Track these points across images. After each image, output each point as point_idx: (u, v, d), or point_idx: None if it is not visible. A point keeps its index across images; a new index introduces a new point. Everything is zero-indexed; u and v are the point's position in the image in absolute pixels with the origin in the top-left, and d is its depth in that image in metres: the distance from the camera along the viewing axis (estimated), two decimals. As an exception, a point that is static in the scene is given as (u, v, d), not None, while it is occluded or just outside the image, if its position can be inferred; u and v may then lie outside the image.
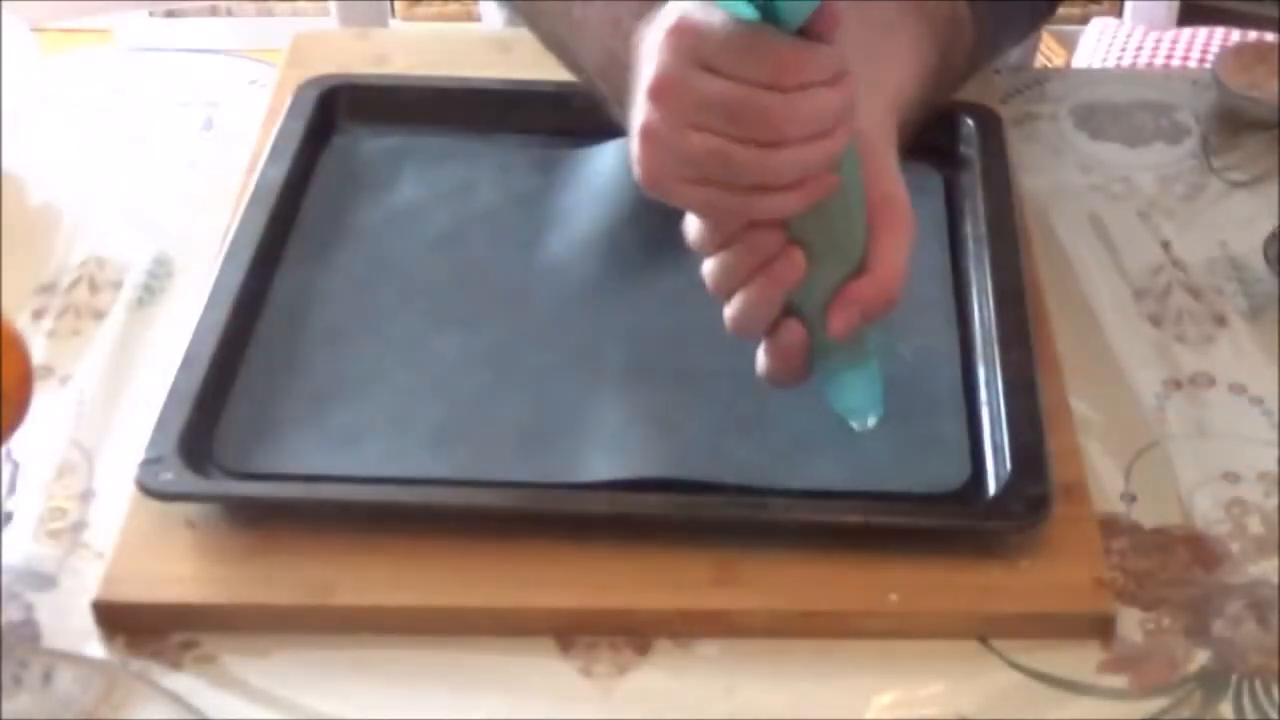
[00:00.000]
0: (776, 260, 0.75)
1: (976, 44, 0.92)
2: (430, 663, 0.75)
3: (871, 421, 0.81)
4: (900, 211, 0.77)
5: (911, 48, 0.85)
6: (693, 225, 0.76)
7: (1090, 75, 1.35)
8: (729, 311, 0.77)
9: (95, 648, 0.76)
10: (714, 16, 0.71)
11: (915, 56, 0.85)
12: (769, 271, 0.75)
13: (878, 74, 0.80)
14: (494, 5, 1.31)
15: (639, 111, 0.73)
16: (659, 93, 0.71)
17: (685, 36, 0.70)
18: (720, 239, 0.75)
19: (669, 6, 0.73)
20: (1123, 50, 1.91)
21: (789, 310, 0.77)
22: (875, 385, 0.80)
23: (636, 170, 0.74)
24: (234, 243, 0.91)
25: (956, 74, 0.93)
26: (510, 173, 0.99)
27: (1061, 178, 1.05)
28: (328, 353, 0.87)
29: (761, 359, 0.79)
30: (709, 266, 0.77)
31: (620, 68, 0.78)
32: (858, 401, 0.81)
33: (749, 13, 0.68)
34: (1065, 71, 1.46)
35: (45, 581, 0.79)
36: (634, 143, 0.73)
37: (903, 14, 0.85)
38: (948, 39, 0.89)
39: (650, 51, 0.72)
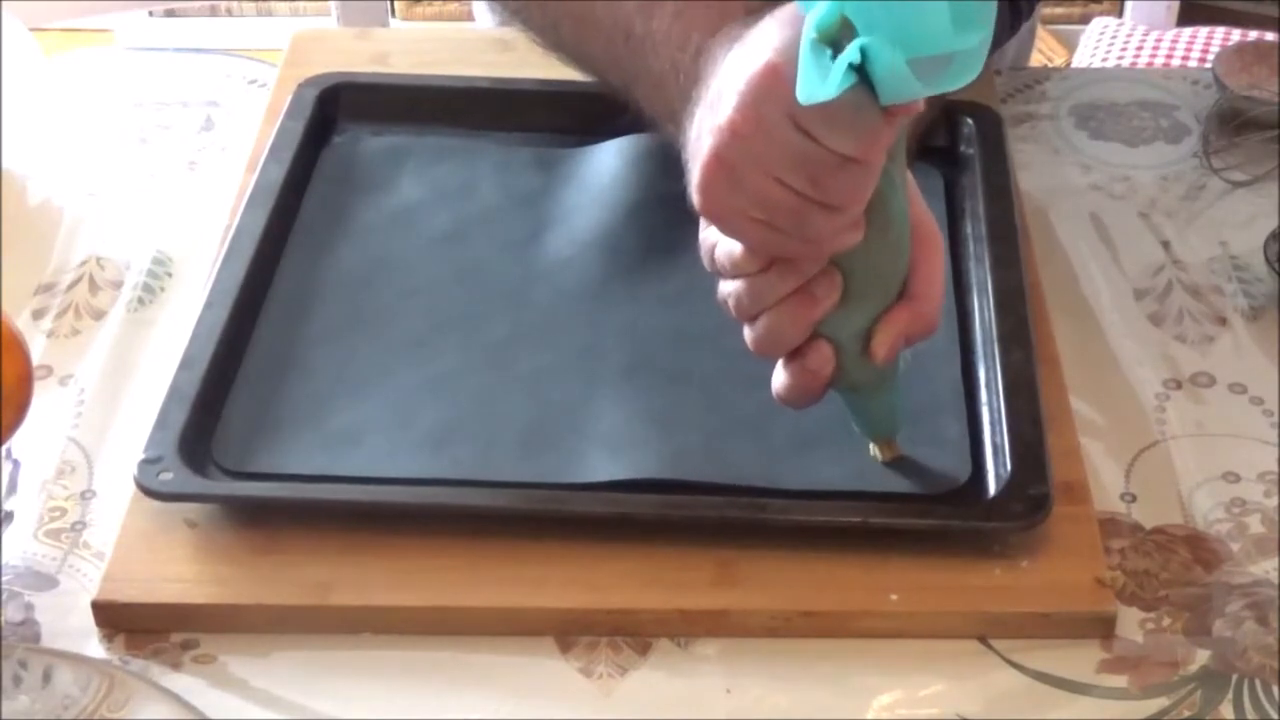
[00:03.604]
0: (815, 282, 0.74)
1: None
2: (430, 663, 0.75)
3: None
4: (932, 238, 0.77)
5: None
6: (725, 249, 0.74)
7: (1090, 75, 1.35)
8: (756, 331, 0.76)
9: (95, 648, 0.76)
10: None
11: None
12: (806, 293, 0.74)
13: None
14: (485, 6, 1.30)
15: (714, 139, 0.70)
16: (743, 132, 0.69)
17: (782, 85, 0.67)
18: (760, 265, 0.74)
19: (759, 37, 0.70)
20: (1123, 50, 1.92)
21: (815, 333, 0.76)
22: (898, 407, 0.80)
23: (697, 196, 0.72)
24: (234, 242, 0.91)
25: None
26: (510, 173, 0.99)
27: (1061, 177, 1.05)
28: (328, 353, 0.87)
29: (780, 378, 0.77)
30: (738, 288, 0.75)
31: (688, 81, 0.77)
32: (882, 425, 0.80)
33: (850, 80, 0.64)
34: (1065, 71, 1.45)
35: (45, 581, 0.79)
36: (700, 167, 0.71)
37: None
38: None
39: (735, 81, 0.69)
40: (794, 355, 0.76)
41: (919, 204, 0.77)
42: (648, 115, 0.86)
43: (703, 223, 0.76)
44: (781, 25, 0.68)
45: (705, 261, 0.76)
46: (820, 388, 0.77)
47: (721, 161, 0.70)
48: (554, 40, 0.95)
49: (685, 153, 0.74)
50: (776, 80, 0.67)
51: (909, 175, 0.76)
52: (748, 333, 0.76)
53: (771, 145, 0.68)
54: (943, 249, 0.77)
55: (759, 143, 0.69)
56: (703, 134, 0.71)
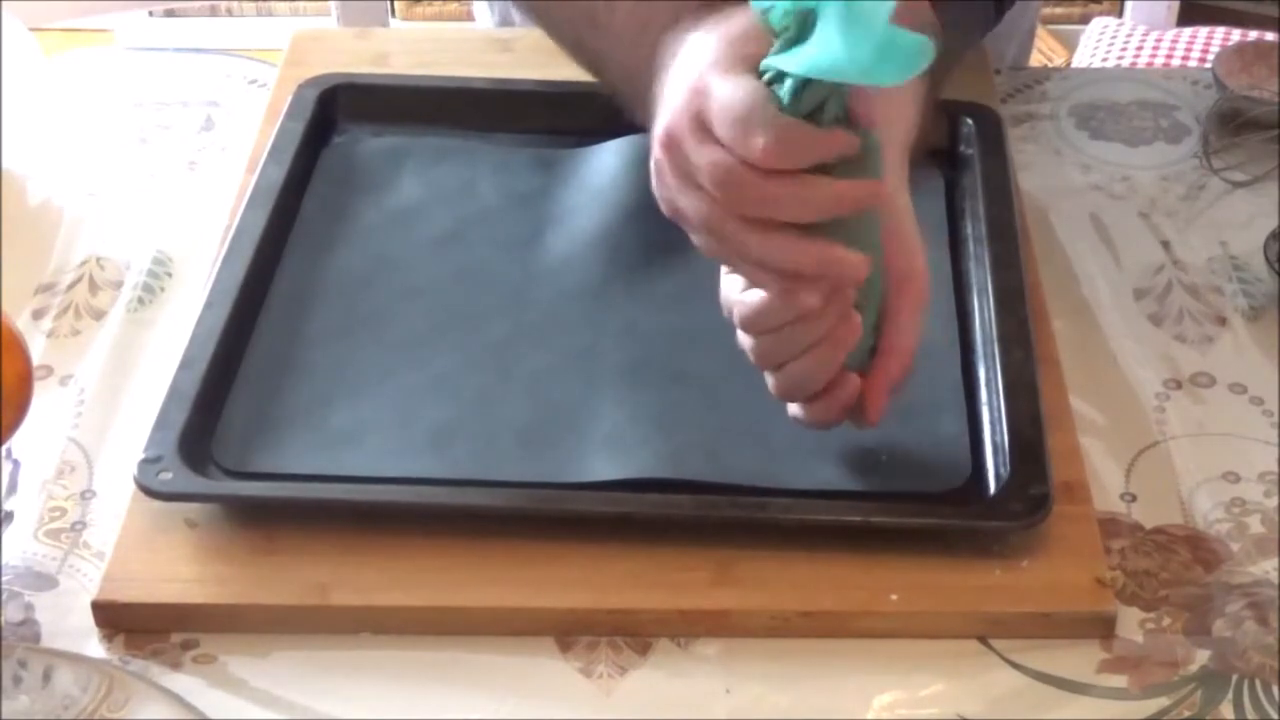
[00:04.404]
0: (837, 326, 0.74)
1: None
2: (430, 663, 0.75)
3: None
4: (914, 281, 0.77)
5: (913, 90, 0.84)
6: (746, 307, 0.75)
7: (1090, 75, 1.35)
8: (781, 379, 0.77)
9: (95, 648, 0.76)
10: (729, 77, 0.70)
11: (916, 97, 0.84)
12: (829, 340, 0.75)
13: (888, 126, 0.79)
14: (485, 6, 1.30)
15: (655, 144, 0.73)
16: (664, 142, 0.72)
17: (698, 96, 0.71)
18: (783, 320, 0.74)
19: (701, 41, 0.73)
20: (1123, 50, 1.92)
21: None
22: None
23: (659, 198, 0.75)
24: (234, 242, 0.91)
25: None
26: (510, 173, 0.99)
27: (1061, 178, 1.05)
28: (328, 352, 0.87)
29: (801, 410, 0.78)
30: (761, 341, 0.76)
31: (648, 73, 0.78)
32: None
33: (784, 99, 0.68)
34: (1065, 71, 1.45)
35: (45, 581, 0.79)
36: (652, 169, 0.75)
37: None
38: (937, 71, 0.88)
39: (674, 88, 0.73)
40: (823, 391, 0.77)
41: (913, 246, 0.77)
42: (619, 98, 0.87)
43: (721, 279, 0.78)
44: (719, 38, 0.72)
45: (726, 313, 0.77)
46: (846, 412, 0.78)
47: (655, 169, 0.73)
48: (536, 11, 0.98)
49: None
50: (695, 95, 0.71)
51: (912, 215, 0.77)
52: (771, 380, 0.77)
53: (686, 159, 0.71)
54: (925, 295, 0.77)
55: (677, 155, 0.72)
56: (654, 135, 0.74)
